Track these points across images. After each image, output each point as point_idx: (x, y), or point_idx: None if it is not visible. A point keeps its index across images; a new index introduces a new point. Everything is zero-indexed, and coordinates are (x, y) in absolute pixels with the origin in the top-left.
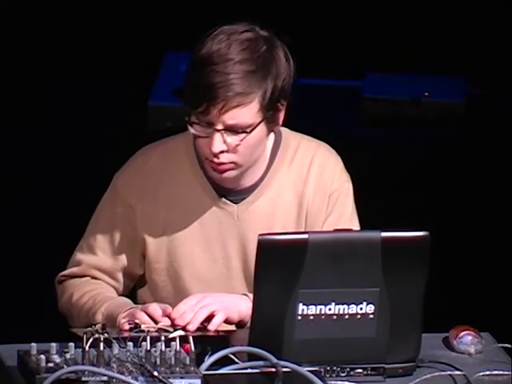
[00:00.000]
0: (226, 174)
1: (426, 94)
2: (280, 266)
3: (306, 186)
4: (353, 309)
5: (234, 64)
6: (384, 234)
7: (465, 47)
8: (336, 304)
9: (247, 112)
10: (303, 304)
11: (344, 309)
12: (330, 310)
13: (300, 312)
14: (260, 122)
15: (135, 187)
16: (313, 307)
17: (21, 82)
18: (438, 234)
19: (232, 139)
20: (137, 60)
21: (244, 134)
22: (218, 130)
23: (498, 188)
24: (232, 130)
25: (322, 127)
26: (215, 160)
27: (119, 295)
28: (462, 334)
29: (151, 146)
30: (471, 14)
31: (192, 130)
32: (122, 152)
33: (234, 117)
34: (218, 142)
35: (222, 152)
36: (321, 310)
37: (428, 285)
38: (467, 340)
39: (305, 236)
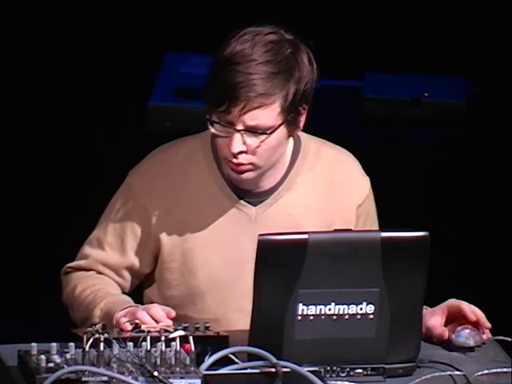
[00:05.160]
0: (244, 175)
1: (426, 94)
2: (280, 265)
3: (329, 194)
4: (353, 309)
5: (257, 65)
6: (384, 234)
7: (465, 47)
8: (336, 304)
9: (268, 113)
10: (303, 304)
11: (344, 309)
12: (330, 310)
13: (300, 312)
14: (280, 125)
15: (149, 186)
16: (313, 307)
17: (20, 81)
18: (438, 234)
19: (252, 140)
20: (137, 60)
21: (264, 136)
22: (238, 131)
23: (499, 188)
24: (252, 130)
25: (321, 127)
26: (234, 160)
27: (123, 293)
28: (460, 327)
29: (167, 146)
30: (471, 14)
31: (212, 130)
32: (121, 152)
33: (254, 117)
34: (238, 143)
35: (240, 153)
36: (321, 310)
37: (428, 285)
38: (465, 333)
39: (305, 236)
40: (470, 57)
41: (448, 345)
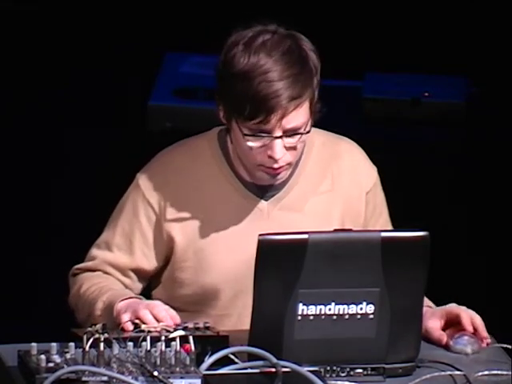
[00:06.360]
0: (280, 176)
1: (426, 94)
2: (280, 265)
3: (337, 184)
4: (353, 309)
5: (282, 70)
6: (384, 234)
7: (465, 47)
8: (336, 304)
9: (302, 112)
10: (303, 304)
11: (344, 309)
12: (329, 310)
13: (300, 312)
14: (310, 118)
15: (158, 186)
16: (313, 307)
17: (20, 81)
18: (438, 234)
19: (290, 141)
20: (137, 60)
21: (300, 135)
22: (278, 137)
23: (499, 188)
24: (291, 133)
25: (321, 127)
26: (275, 166)
27: None
28: (458, 334)
29: (174, 146)
30: (471, 14)
31: (248, 143)
32: (121, 152)
33: (291, 121)
34: (280, 149)
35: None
36: (321, 310)
37: (427, 285)
38: (463, 340)
39: (305, 236)
40: (470, 57)
41: (445, 349)
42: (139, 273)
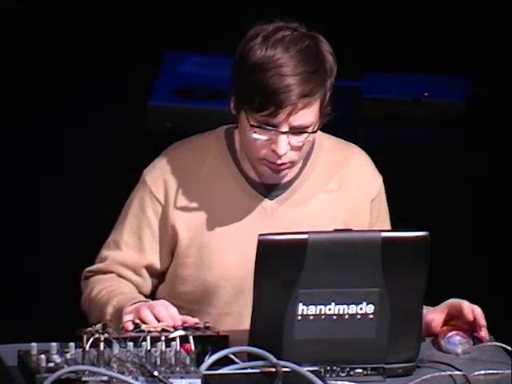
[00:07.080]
0: (282, 173)
1: (426, 94)
2: (280, 266)
3: (343, 189)
4: (353, 309)
5: (295, 67)
6: (384, 234)
7: (465, 47)
8: (336, 304)
9: (311, 112)
10: (303, 304)
11: (344, 309)
12: (329, 310)
13: (300, 312)
14: (319, 119)
15: (165, 182)
16: (313, 307)
17: (20, 81)
18: (438, 234)
19: (295, 140)
20: (137, 60)
21: (307, 134)
22: (284, 133)
23: (499, 188)
24: (297, 131)
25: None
26: (278, 161)
27: (143, 294)
28: (451, 333)
29: (180, 143)
30: (471, 14)
31: (254, 135)
32: (121, 152)
33: (299, 118)
34: (284, 145)
35: (285, 153)
36: (321, 310)
37: (427, 285)
38: (455, 340)
39: (305, 236)
40: (470, 57)
41: (437, 348)
42: (151, 269)
